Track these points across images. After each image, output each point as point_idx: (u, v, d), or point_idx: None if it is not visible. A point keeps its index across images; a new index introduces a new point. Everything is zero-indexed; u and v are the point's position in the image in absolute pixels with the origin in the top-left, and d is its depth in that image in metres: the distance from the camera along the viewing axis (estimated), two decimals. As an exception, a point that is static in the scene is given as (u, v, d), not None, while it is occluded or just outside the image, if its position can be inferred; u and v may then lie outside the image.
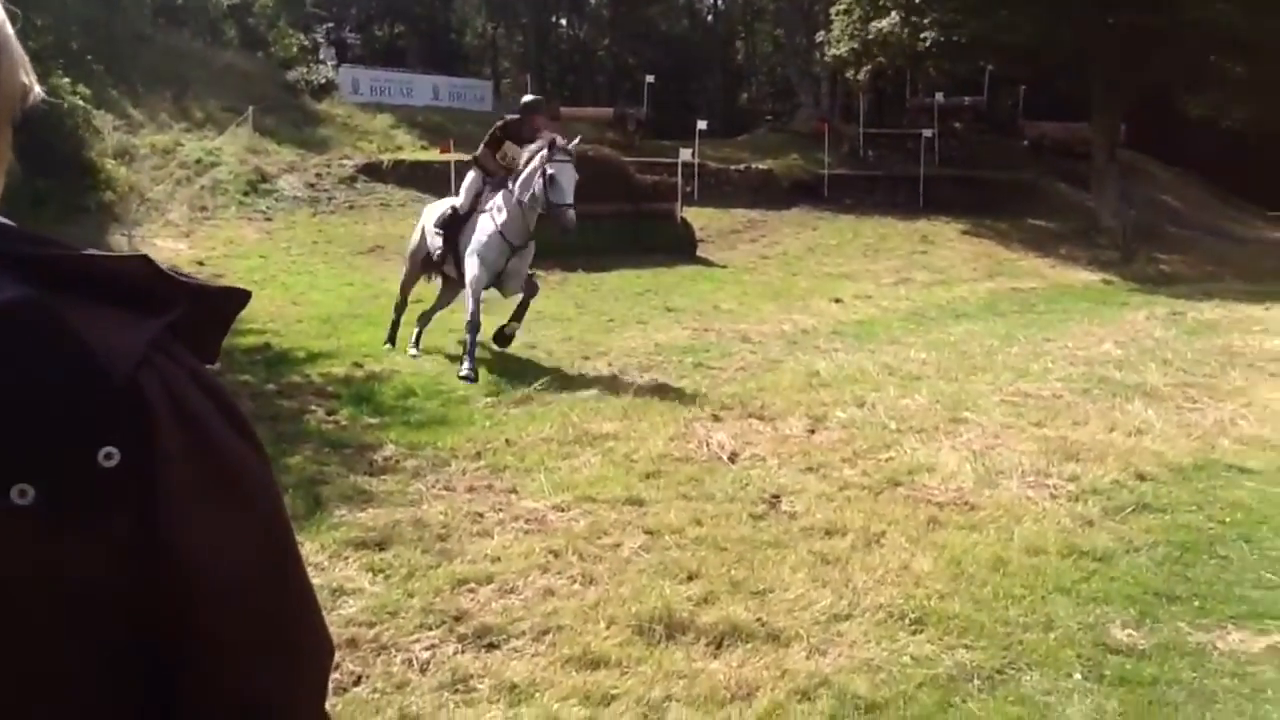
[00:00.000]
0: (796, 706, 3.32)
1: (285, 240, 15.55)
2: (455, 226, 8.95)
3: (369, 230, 16.32)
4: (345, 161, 19.21)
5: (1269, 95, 21.57)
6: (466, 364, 8.24)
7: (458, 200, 9.26)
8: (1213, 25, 18.61)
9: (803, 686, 3.43)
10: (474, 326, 8.44)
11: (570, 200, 8.38)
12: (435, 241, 9.09)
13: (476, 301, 8.53)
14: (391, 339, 9.38)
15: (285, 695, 0.83)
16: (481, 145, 9.37)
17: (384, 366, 8.46)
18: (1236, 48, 19.41)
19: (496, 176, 8.94)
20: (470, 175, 9.23)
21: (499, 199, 8.70)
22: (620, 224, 16.27)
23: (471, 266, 8.62)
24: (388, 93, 25.23)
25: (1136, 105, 23.23)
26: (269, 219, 16.60)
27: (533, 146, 8.58)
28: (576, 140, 9.06)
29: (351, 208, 17.70)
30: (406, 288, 9.65)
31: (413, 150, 20.77)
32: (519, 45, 39.62)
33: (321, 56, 27.08)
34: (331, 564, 4.37)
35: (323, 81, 23.45)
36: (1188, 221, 23.73)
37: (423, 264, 9.53)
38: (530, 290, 8.86)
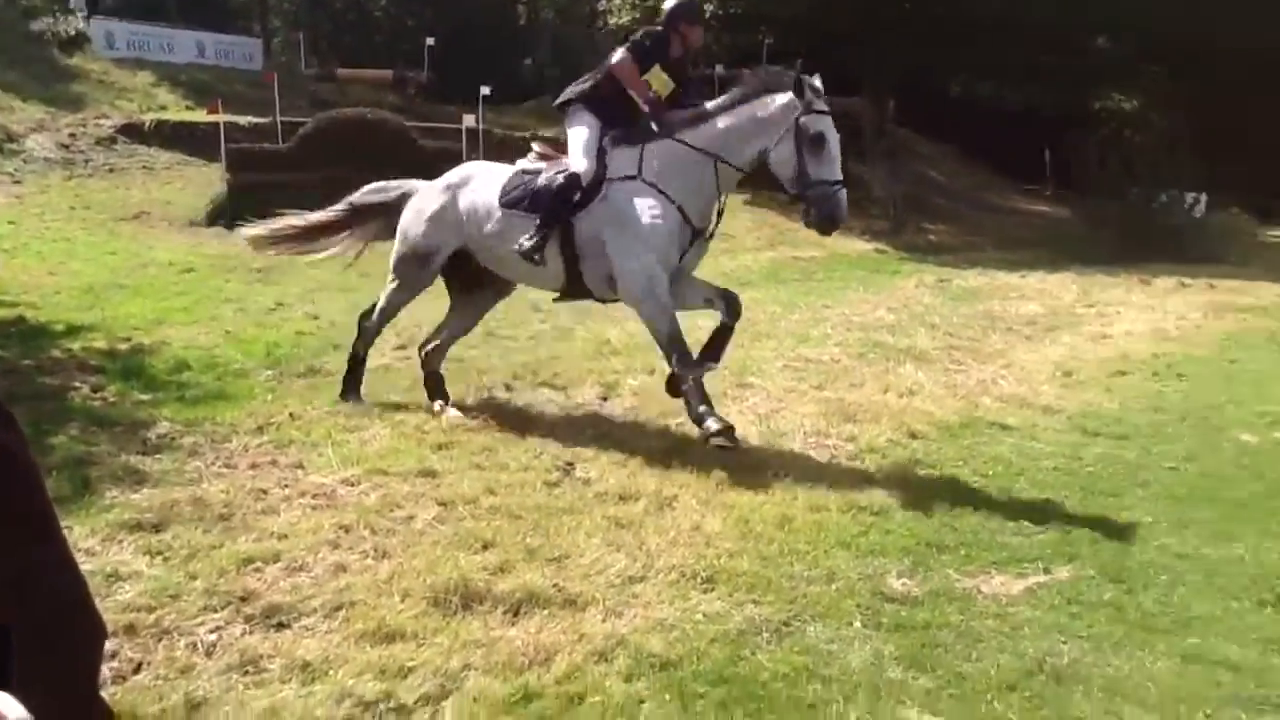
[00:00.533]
0: (594, 668, 3.36)
1: (38, 205, 14.45)
2: (571, 203, 5.87)
3: (132, 195, 15.38)
4: (102, 121, 18.01)
5: (1021, 77, 23.08)
6: (709, 420, 5.60)
7: (561, 163, 6.04)
8: (970, 9, 19.74)
9: (600, 648, 3.48)
10: (685, 355, 5.80)
11: (841, 175, 5.68)
12: (525, 232, 5.87)
13: (671, 316, 5.84)
14: (352, 390, 6.50)
15: (56, 681, 0.77)
16: (602, 74, 6.08)
17: (154, 339, 7.99)
18: (993, 32, 20.64)
19: (621, 116, 5.99)
20: (581, 127, 6.03)
21: (654, 155, 5.86)
22: (405, 191, 15.90)
23: (639, 264, 5.77)
24: (147, 48, 23.73)
25: (905, 83, 24.41)
26: (18, 182, 15.40)
27: (751, 93, 5.79)
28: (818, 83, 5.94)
29: (111, 170, 16.62)
30: (392, 310, 6.63)
31: (177, 110, 19.68)
32: (290, 2, 37.91)
33: (71, 6, 25.19)
34: (104, 548, 4.12)
35: (73, 34, 21.81)
36: (952, 194, 25.17)
37: (449, 269, 6.45)
38: (731, 303, 5.95)
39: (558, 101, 6.27)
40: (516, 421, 6.14)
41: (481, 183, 6.28)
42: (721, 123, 5.82)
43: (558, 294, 6.34)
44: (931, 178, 26.22)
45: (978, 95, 27.30)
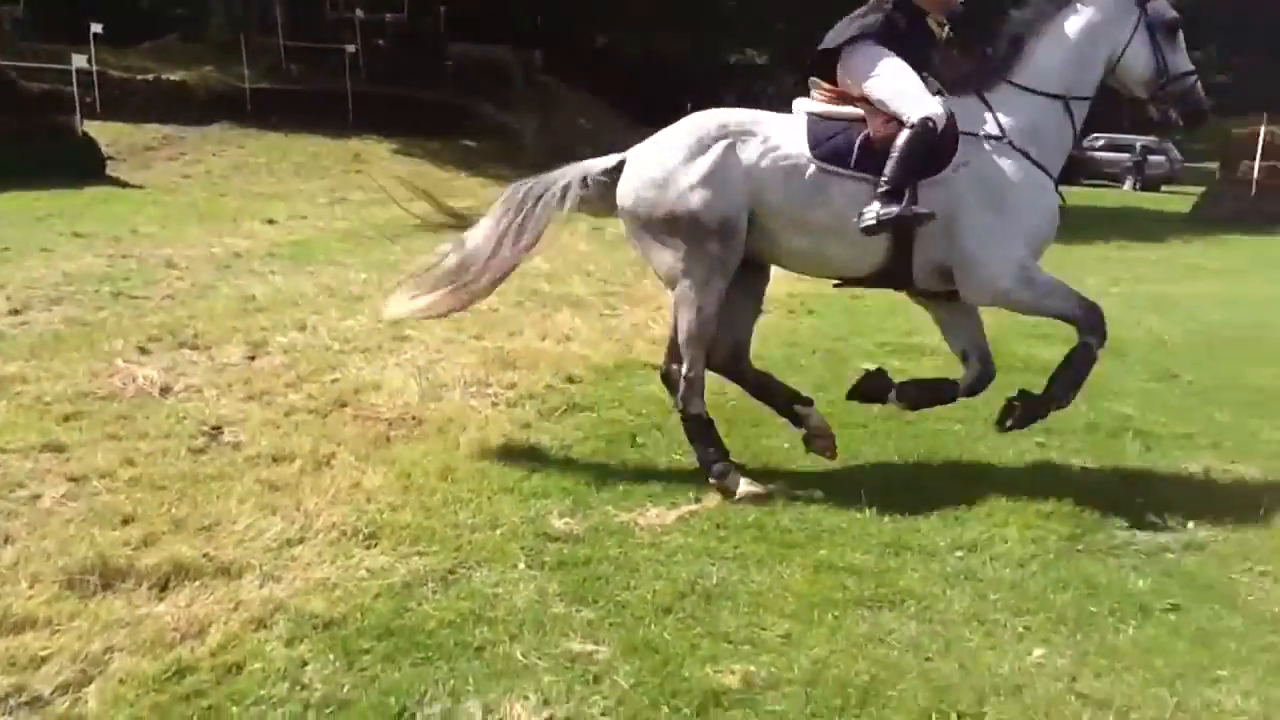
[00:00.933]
0: (252, 635, 3.23)
1: None
2: (925, 162, 4.52)
3: None
4: None
5: (660, 28, 23.94)
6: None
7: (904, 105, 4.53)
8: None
9: (258, 615, 3.35)
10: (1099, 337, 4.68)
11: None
12: (852, 197, 4.54)
13: (1071, 291, 4.73)
14: (718, 459, 4.72)
15: None
16: (892, 3, 4.71)
17: None
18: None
19: (917, 58, 4.68)
20: (893, 61, 4.63)
21: (1004, 107, 4.70)
22: (7, 139, 14.35)
23: (1008, 254, 4.58)
24: None
25: (550, 32, 24.67)
26: None
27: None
28: None
29: None
30: (710, 322, 4.72)
31: None
32: None
33: None
34: None
35: None
36: (602, 144, 25.71)
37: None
38: (986, 369, 4.98)
39: (834, 43, 4.78)
40: (153, 387, 5.74)
41: (769, 132, 4.71)
42: (1053, 50, 4.75)
43: (841, 281, 5.04)
44: (582, 127, 26.72)
45: (624, 47, 28.09)
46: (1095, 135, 33.70)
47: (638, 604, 3.58)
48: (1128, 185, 32.21)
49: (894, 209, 4.44)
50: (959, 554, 4.09)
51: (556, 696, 3.02)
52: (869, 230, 4.49)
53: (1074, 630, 3.50)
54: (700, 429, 4.81)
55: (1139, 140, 32.86)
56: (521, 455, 4.97)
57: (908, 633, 3.46)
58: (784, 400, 5.08)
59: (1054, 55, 4.75)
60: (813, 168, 4.62)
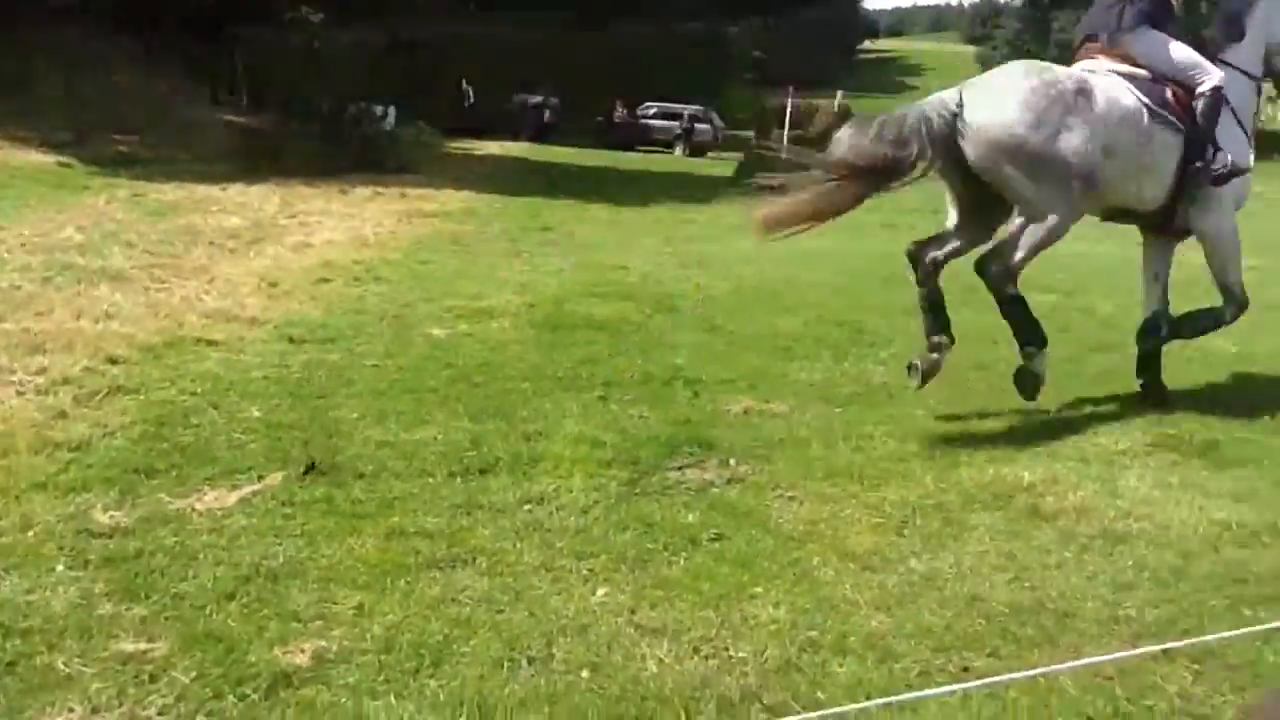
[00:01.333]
0: None
1: None
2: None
3: None
4: None
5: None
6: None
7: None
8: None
9: None
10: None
11: None
12: (1162, 143, 5.49)
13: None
14: (1035, 339, 5.55)
15: None
16: None
17: None
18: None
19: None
20: (1176, 42, 5.57)
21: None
22: None
23: (1230, 207, 5.74)
24: None
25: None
26: None
27: None
28: None
29: None
30: (1044, 247, 5.48)
31: None
32: None
33: None
34: None
35: None
36: (142, 102, 23.69)
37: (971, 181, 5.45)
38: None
39: (1114, 30, 5.62)
40: None
41: (1104, 85, 5.44)
42: (1258, 34, 5.73)
43: (1106, 215, 5.87)
44: (117, 83, 24.43)
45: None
46: (648, 104, 35.70)
47: (197, 593, 3.38)
48: (678, 151, 34.37)
49: (1229, 160, 5.45)
50: (528, 507, 4.23)
51: (107, 702, 2.80)
52: (1221, 179, 5.46)
53: (633, 567, 3.73)
54: (1016, 303, 5.48)
55: (686, 109, 35.17)
56: (56, 447, 4.52)
57: (480, 589, 3.53)
58: (939, 325, 5.49)
59: (1257, 39, 5.75)
60: (1146, 116, 5.41)
